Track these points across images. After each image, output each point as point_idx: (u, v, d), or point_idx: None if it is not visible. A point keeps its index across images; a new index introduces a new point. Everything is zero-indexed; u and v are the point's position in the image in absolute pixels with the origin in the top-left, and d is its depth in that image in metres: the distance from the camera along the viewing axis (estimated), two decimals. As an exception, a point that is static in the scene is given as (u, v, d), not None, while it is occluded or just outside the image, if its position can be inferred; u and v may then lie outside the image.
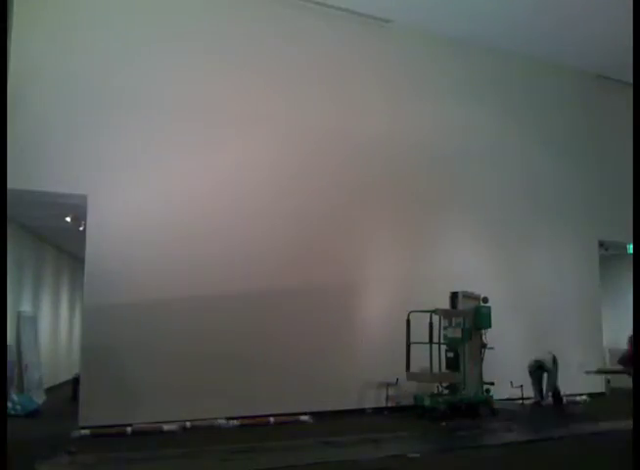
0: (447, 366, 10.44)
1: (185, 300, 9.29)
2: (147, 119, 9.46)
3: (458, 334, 10.39)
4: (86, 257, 9.00)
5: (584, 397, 12.26)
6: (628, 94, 11.99)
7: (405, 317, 10.31)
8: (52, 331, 14.95)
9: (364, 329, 10.69)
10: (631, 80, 11.64)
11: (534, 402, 10.96)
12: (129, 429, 8.41)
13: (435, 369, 10.13)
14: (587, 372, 11.93)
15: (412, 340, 10.25)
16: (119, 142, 9.26)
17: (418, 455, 7.18)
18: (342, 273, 10.66)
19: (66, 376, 14.47)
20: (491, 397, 10.37)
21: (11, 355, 10.40)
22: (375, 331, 10.71)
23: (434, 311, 10.11)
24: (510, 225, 12.59)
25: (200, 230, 9.58)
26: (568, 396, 11.54)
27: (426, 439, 8.45)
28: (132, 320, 8.90)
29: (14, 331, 11.26)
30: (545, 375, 11.08)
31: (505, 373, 10.65)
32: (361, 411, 10.37)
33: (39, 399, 11.30)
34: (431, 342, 10.00)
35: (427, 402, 9.91)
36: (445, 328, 10.52)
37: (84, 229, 9.27)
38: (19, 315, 11.60)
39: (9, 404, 9.57)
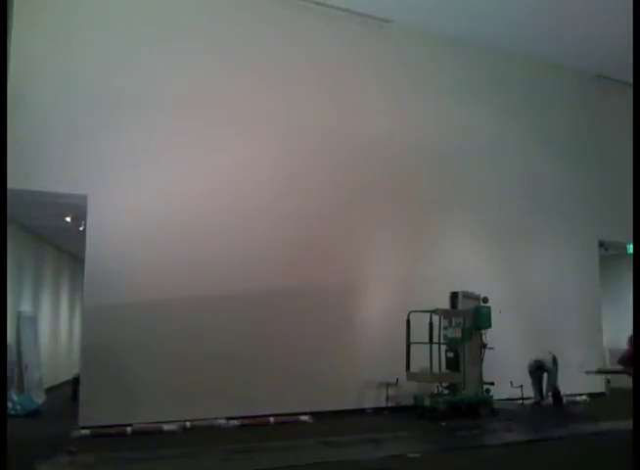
0: (447, 366, 10.44)
1: (185, 300, 9.29)
2: (147, 119, 9.46)
3: (458, 334, 10.39)
4: (86, 257, 9.00)
5: (584, 397, 12.27)
6: (628, 94, 11.99)
7: (405, 317, 10.31)
8: (52, 331, 14.95)
9: (364, 329, 10.69)
10: (631, 80, 11.63)
11: (534, 402, 10.96)
12: (129, 429, 8.41)
13: (435, 369, 10.13)
14: (587, 372, 11.93)
15: (412, 340, 10.25)
16: (119, 142, 9.26)
17: (418, 455, 7.18)
18: (342, 273, 10.66)
19: (66, 376, 14.47)
20: (491, 397, 10.37)
21: (11, 355, 10.40)
22: (375, 331, 10.71)
23: (434, 311, 10.11)
24: (510, 225, 12.59)
25: (200, 230, 9.58)
26: (568, 396, 11.54)
27: (426, 439, 8.46)
28: (132, 320, 8.91)
29: (14, 331, 11.26)
30: (545, 375, 11.08)
31: (505, 373, 10.66)
32: (361, 411, 10.37)
33: (39, 399, 11.30)
34: (431, 342, 10.00)
35: (427, 402, 9.91)
36: (445, 328, 10.52)
37: (84, 229, 9.27)
38: (19, 315, 11.59)
39: (9, 404, 9.57)
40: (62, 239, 13.85)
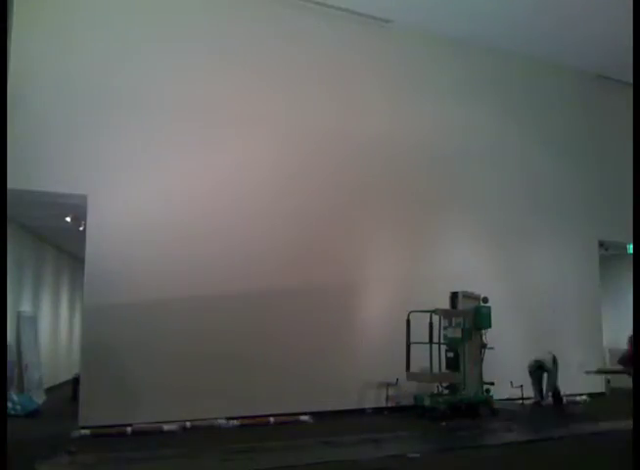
0: (447, 366, 10.44)
1: (185, 300, 9.29)
2: (147, 119, 9.46)
3: (458, 334, 10.40)
4: (86, 257, 9.00)
5: (584, 397, 12.26)
6: (628, 94, 12.00)
7: (405, 317, 10.31)
8: (52, 331, 14.94)
9: (364, 329, 10.69)
10: (631, 80, 11.64)
11: (534, 402, 10.96)
12: (129, 429, 8.41)
13: (435, 369, 10.13)
14: (587, 372, 11.93)
15: (412, 340, 10.25)
16: (119, 142, 9.26)
17: (418, 455, 7.18)
18: (342, 273, 10.66)
19: (66, 376, 14.47)
20: (491, 397, 10.37)
21: (11, 355, 10.40)
22: (375, 331, 10.71)
23: (434, 311, 10.11)
24: (510, 225, 12.59)
25: (200, 230, 9.58)
26: (568, 396, 11.54)
27: (426, 439, 8.46)
28: (132, 320, 8.91)
29: (14, 331, 11.26)
30: (545, 375, 11.08)
31: (505, 373, 10.65)
32: (361, 411, 10.37)
33: (39, 399, 11.29)
34: (431, 342, 9.99)
35: (427, 402, 9.92)
36: (445, 328, 10.52)
37: (84, 229, 9.27)
38: (19, 315, 11.59)
39: (9, 404, 9.57)
40: (62, 239, 13.85)
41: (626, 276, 13.91)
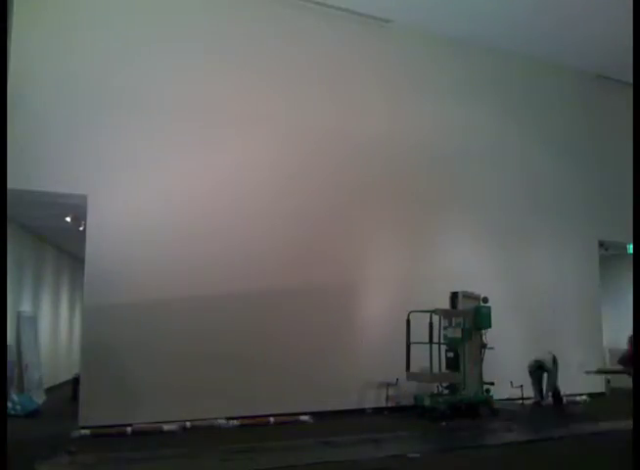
0: (447, 366, 10.44)
1: (185, 300, 9.29)
2: (147, 119, 9.46)
3: (458, 334, 10.39)
4: (86, 257, 9.00)
5: (584, 397, 12.26)
6: (628, 94, 12.00)
7: (405, 317, 10.31)
8: (52, 331, 14.94)
9: (364, 329, 10.69)
10: (631, 80, 11.64)
11: (534, 403, 10.96)
12: (129, 429, 8.41)
13: (435, 369, 10.12)
14: (587, 372, 11.93)
15: (412, 340, 10.25)
16: (119, 142, 9.26)
17: (418, 455, 7.18)
18: (342, 273, 10.66)
19: (66, 376, 14.47)
20: (491, 397, 10.37)
21: (11, 355, 10.40)
22: (375, 331, 10.71)
23: (434, 311, 10.11)
24: (510, 225, 12.59)
25: (200, 230, 9.58)
26: (568, 396, 11.53)
27: (426, 439, 8.46)
28: (132, 320, 8.91)
29: (14, 331, 11.26)
30: (545, 375, 11.08)
31: (505, 373, 10.66)
32: (361, 411, 10.37)
33: (39, 399, 11.29)
34: (431, 342, 9.99)
35: (427, 402, 9.91)
36: (445, 328, 10.52)
37: (84, 229, 9.27)
38: (19, 315, 11.59)
39: (9, 404, 9.57)
40: (62, 239, 13.85)
41: (626, 276, 13.91)
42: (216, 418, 9.09)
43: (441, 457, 7.31)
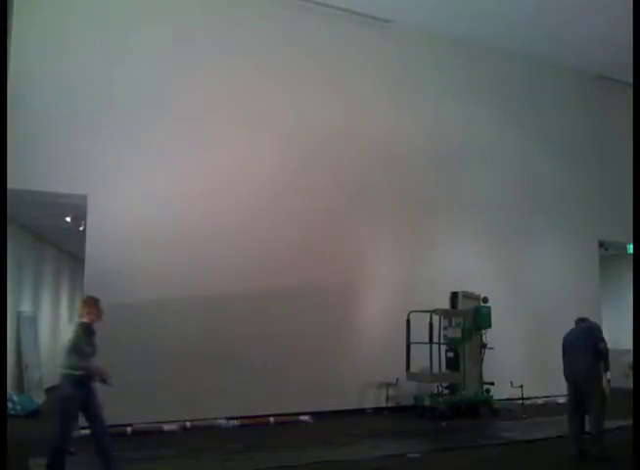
0: (447, 366, 10.44)
1: (185, 300, 9.29)
2: (147, 119, 9.46)
3: (458, 334, 10.40)
4: (86, 257, 9.00)
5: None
6: (628, 94, 11.99)
7: (405, 317, 10.31)
8: (52, 331, 14.94)
9: (364, 329, 10.69)
10: (631, 80, 11.63)
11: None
12: (129, 429, 8.42)
13: (435, 369, 10.12)
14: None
15: (412, 340, 10.25)
16: (119, 142, 9.25)
17: (418, 455, 7.19)
18: (342, 273, 10.66)
19: (66, 376, 14.43)
20: (491, 397, 10.37)
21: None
22: (375, 331, 10.71)
23: (434, 311, 10.11)
24: (510, 225, 12.59)
25: (200, 230, 9.58)
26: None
27: (426, 439, 8.45)
28: (132, 320, 8.90)
29: (14, 331, 11.26)
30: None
31: (505, 373, 10.66)
32: (361, 411, 10.37)
33: (39, 399, 11.29)
34: (431, 342, 9.99)
35: (427, 402, 9.92)
36: (445, 328, 10.52)
37: (84, 229, 9.27)
38: (19, 315, 11.59)
39: (9, 404, 9.57)
40: (62, 239, 13.85)
41: (626, 276, 13.90)
42: (216, 418, 9.10)
43: (441, 457, 7.31)
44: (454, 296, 10.66)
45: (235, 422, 9.10)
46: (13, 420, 8.78)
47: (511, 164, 12.88)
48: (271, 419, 9.38)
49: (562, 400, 11.15)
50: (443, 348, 10.43)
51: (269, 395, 9.55)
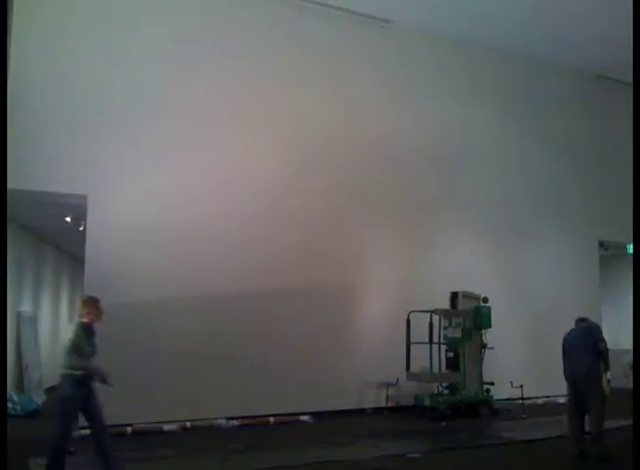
0: (447, 366, 10.44)
1: (185, 300, 9.29)
2: (147, 119, 9.46)
3: (458, 334, 10.40)
4: (86, 257, 9.00)
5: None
6: (628, 94, 11.98)
7: (405, 317, 10.31)
8: (52, 331, 14.94)
9: (364, 329, 10.69)
10: (631, 80, 11.63)
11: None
12: (129, 429, 8.42)
13: (435, 369, 10.12)
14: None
15: (412, 340, 10.25)
16: (119, 142, 9.25)
17: (418, 455, 7.19)
18: (342, 273, 10.66)
19: (66, 376, 14.43)
20: (491, 397, 10.37)
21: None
22: (375, 331, 10.71)
23: (434, 311, 10.11)
24: (510, 225, 12.59)
25: (200, 230, 9.58)
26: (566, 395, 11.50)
27: (426, 439, 8.45)
28: (132, 320, 8.89)
29: (14, 331, 11.26)
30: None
31: (505, 373, 10.66)
32: (361, 411, 10.38)
33: (39, 399, 11.29)
34: (431, 342, 9.99)
35: (427, 402, 9.92)
36: (445, 328, 10.52)
37: (84, 229, 9.27)
38: (19, 315, 11.59)
39: (9, 404, 9.57)
40: (62, 239, 13.85)
41: (626, 276, 13.90)
42: (216, 418, 9.10)
43: (441, 457, 7.31)
44: (454, 296, 10.66)
45: (235, 422, 9.10)
46: (13, 420, 8.78)
47: (511, 164, 12.88)
48: (271, 419, 9.38)
49: (562, 400, 11.17)
50: (443, 348, 10.43)
51: (269, 395, 9.55)
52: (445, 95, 12.24)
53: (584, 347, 7.02)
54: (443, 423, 9.33)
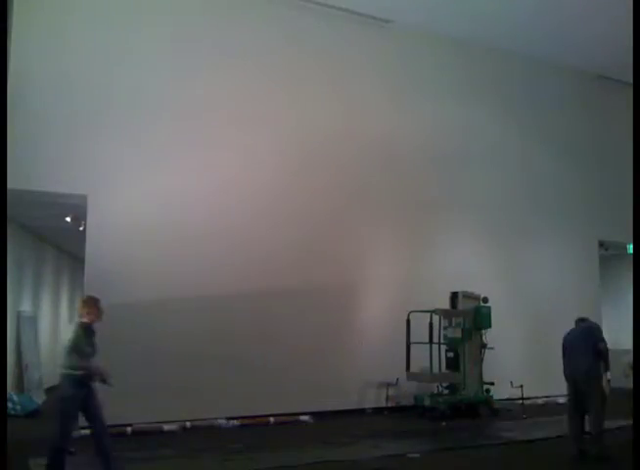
0: (447, 366, 10.44)
1: (185, 300, 9.29)
2: (147, 119, 9.46)
3: (458, 334, 10.40)
4: (86, 257, 9.00)
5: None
6: (628, 94, 11.99)
7: (405, 317, 10.31)
8: (52, 331, 14.94)
9: (364, 329, 10.69)
10: (631, 80, 11.63)
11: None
12: (129, 429, 8.42)
13: (435, 369, 10.12)
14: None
15: (412, 340, 10.25)
16: (119, 142, 9.25)
17: (418, 455, 7.19)
18: (342, 273, 10.66)
19: (66, 376, 14.43)
20: (491, 397, 10.37)
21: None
22: (375, 331, 10.71)
23: (434, 311, 10.11)
24: (510, 225, 12.59)
25: (200, 230, 9.58)
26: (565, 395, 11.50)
27: (426, 439, 8.45)
28: (132, 320, 8.90)
29: (14, 331, 11.26)
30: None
31: (505, 373, 10.66)
32: (361, 411, 10.37)
33: (39, 399, 11.29)
34: (431, 342, 9.99)
35: (427, 402, 9.92)
36: (445, 328, 10.52)
37: (84, 229, 9.27)
38: (19, 315, 11.59)
39: (9, 404, 9.57)
40: (62, 239, 13.85)
41: (626, 276, 13.91)
42: (216, 418, 9.10)
43: (441, 457, 7.31)
44: (454, 296, 10.66)
45: (235, 422, 9.10)
46: (13, 420, 8.78)
47: (511, 165, 12.88)
48: (271, 419, 9.38)
49: (562, 400, 11.17)
50: (443, 348, 10.43)
51: (269, 395, 9.55)
52: (445, 95, 12.24)
53: (584, 347, 7.02)
54: (443, 423, 9.33)
